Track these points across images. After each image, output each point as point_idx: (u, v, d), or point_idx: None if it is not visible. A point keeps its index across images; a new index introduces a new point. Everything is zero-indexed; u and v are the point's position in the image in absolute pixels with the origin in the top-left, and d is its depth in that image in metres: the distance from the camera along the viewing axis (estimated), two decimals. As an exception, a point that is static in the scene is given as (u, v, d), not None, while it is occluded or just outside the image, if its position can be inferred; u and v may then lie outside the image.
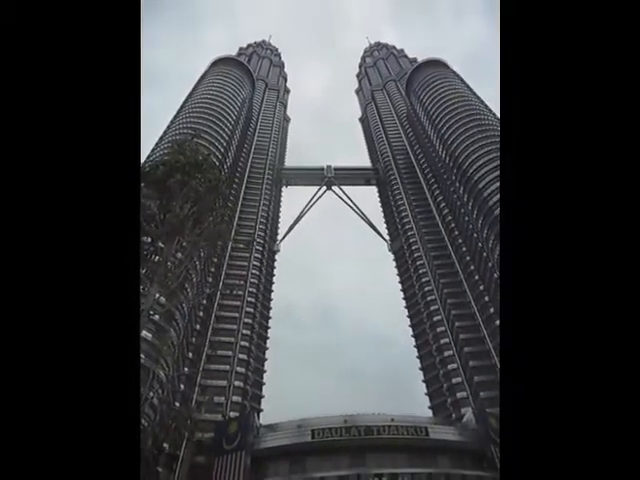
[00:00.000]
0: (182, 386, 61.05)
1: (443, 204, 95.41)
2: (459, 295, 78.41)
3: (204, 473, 47.34)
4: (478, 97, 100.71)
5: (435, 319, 79.22)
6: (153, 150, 77.00)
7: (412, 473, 39.87)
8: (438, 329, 77.61)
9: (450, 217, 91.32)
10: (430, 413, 70.13)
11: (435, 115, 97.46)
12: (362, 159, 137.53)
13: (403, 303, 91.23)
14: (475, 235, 77.85)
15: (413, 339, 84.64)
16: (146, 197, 10.29)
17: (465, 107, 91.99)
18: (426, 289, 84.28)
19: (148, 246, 11.90)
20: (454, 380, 70.90)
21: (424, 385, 78.35)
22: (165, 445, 49.95)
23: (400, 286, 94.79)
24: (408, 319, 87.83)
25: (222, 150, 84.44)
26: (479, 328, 71.79)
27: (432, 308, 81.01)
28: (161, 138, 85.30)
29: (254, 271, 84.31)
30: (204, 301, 73.36)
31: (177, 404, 57.31)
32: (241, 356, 70.14)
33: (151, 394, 43.58)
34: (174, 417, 52.51)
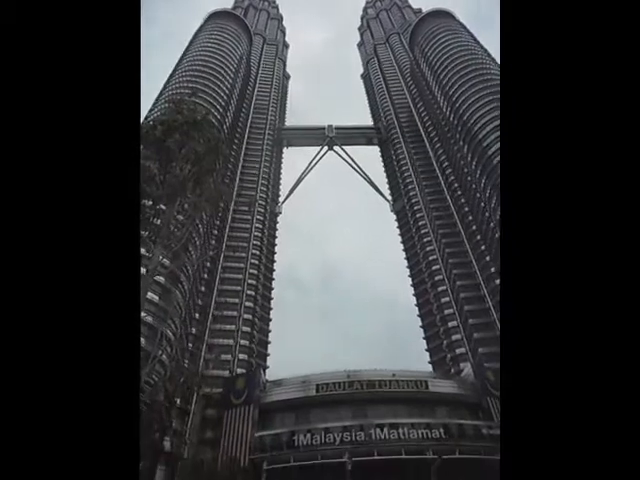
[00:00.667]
0: (190, 345, 63.07)
1: (446, 163, 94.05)
2: (460, 255, 78.98)
3: (214, 425, 49.87)
4: (485, 50, 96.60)
5: (436, 278, 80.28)
6: (150, 110, 75.26)
7: (411, 423, 41.80)
8: (439, 288, 78.82)
9: (453, 177, 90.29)
10: (430, 368, 72.60)
11: (439, 70, 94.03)
12: (364, 118, 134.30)
13: (405, 263, 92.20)
14: (478, 195, 77.26)
15: (414, 298, 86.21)
16: (145, 158, 10.20)
17: (471, 61, 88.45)
18: (428, 249, 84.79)
19: (149, 209, 11.93)
20: (454, 337, 72.85)
21: (424, 342, 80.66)
22: (177, 399, 52.33)
23: (402, 246, 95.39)
24: (410, 279, 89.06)
25: (221, 110, 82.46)
26: (479, 287, 72.82)
27: (433, 268, 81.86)
28: (157, 98, 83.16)
29: (256, 233, 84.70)
30: (208, 263, 74.31)
31: (186, 362, 59.53)
32: (246, 316, 71.87)
33: (160, 352, 45.16)
34: (184, 374, 54.74)
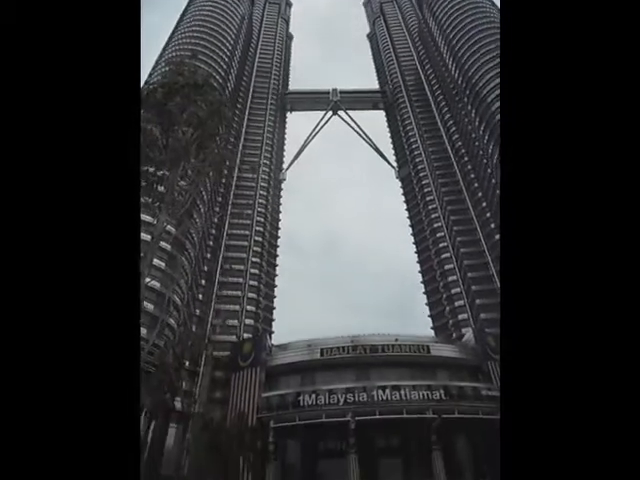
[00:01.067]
0: (197, 311, 64.51)
1: (453, 128, 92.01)
2: (465, 222, 78.72)
3: (223, 386, 51.76)
4: (498, 10, 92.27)
5: (440, 245, 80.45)
6: (150, 75, 73.50)
7: (413, 385, 43.08)
8: (443, 255, 79.14)
9: (460, 142, 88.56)
10: (432, 334, 74.05)
11: (448, 29, 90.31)
12: (370, 81, 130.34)
13: (409, 230, 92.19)
14: (485, 161, 76.03)
15: (418, 265, 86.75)
16: (146, 122, 10.03)
17: (482, 20, 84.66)
18: (432, 216, 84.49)
19: (152, 175, 11.86)
20: (456, 303, 73.82)
21: (427, 308, 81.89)
22: (185, 362, 54.11)
23: (407, 213, 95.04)
24: (414, 245, 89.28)
25: (222, 73, 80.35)
26: (483, 254, 73.01)
27: (438, 235, 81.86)
28: (157, 61, 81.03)
29: (261, 200, 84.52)
30: (213, 230, 74.74)
31: (194, 327, 61.11)
32: (252, 282, 72.95)
33: (168, 318, 46.30)
34: (192, 338, 56.34)
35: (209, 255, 72.34)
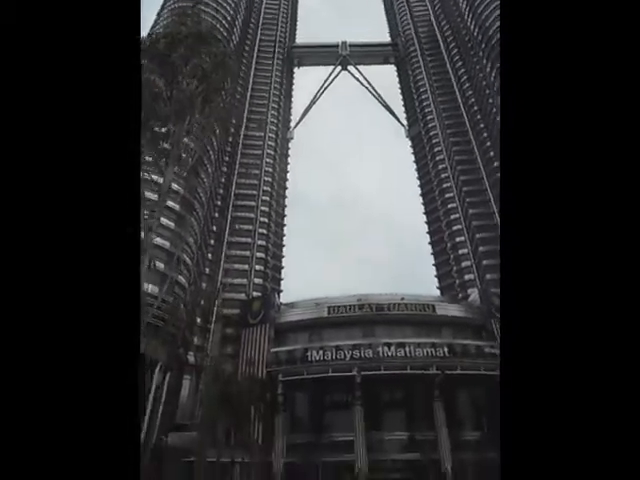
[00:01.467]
0: (207, 269, 65.70)
1: (467, 84, 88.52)
2: (475, 183, 77.51)
3: (233, 342, 53.61)
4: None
5: (449, 206, 79.76)
6: (153, 27, 70.83)
7: (418, 342, 44.22)
8: (452, 216, 78.63)
9: (473, 99, 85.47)
10: (438, 294, 74.96)
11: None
12: (381, 35, 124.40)
13: (418, 190, 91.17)
14: (498, 119, 73.61)
15: (426, 225, 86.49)
16: (149, 72, 9.76)
17: (502, -36, 79.11)
18: (442, 176, 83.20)
19: (157, 131, 11.68)
20: (463, 264, 74.13)
21: (434, 268, 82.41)
22: (197, 318, 55.87)
23: (416, 173, 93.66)
24: (422, 206, 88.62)
25: (227, 25, 77.19)
26: (492, 216, 72.35)
27: (447, 195, 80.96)
28: (160, 12, 77.87)
29: (268, 160, 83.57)
30: (221, 190, 74.60)
31: (204, 285, 62.51)
32: (260, 242, 73.62)
33: (178, 276, 47.28)
34: (202, 295, 57.77)
35: (217, 215, 72.64)
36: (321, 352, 43.90)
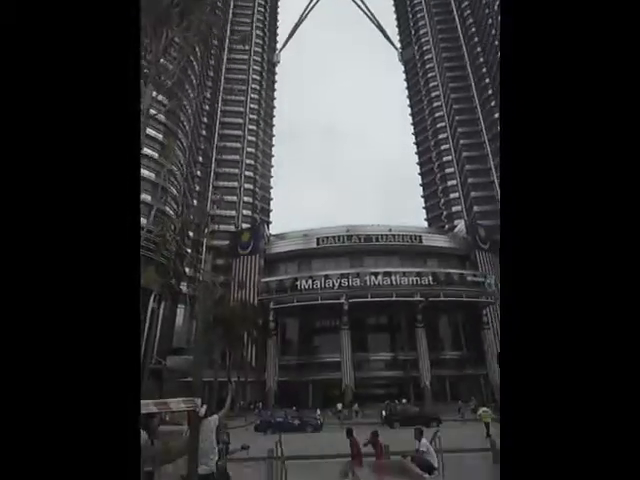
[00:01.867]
0: (195, 201, 65.11)
1: (466, 3, 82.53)
2: (468, 112, 75.43)
3: (225, 272, 54.85)
4: None
5: (440, 136, 78.32)
6: None
7: (403, 272, 45.84)
8: (442, 146, 77.54)
9: (471, 19, 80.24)
10: (426, 225, 76.22)
11: None
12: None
13: (410, 119, 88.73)
14: (497, 43, 69.75)
15: (416, 156, 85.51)
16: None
17: None
18: (435, 105, 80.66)
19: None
20: (451, 195, 74.60)
21: (422, 200, 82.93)
22: (187, 249, 56.43)
23: (408, 101, 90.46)
24: (414, 136, 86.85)
25: None
26: (483, 146, 71.50)
27: (438, 125, 79.14)
28: None
29: (254, 86, 79.43)
30: (205, 119, 71.59)
31: (192, 217, 62.38)
32: (248, 173, 72.42)
33: (165, 206, 46.83)
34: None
35: (203, 146, 70.48)
36: (310, 281, 45.34)
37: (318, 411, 32.02)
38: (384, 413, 27.98)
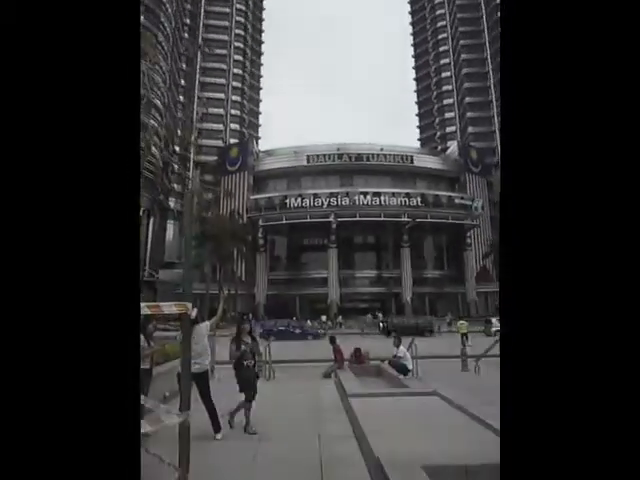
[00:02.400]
0: (180, 113, 62.00)
1: None
2: (472, 23, 69.79)
3: (213, 189, 54.30)
4: None
5: (441, 49, 73.63)
6: None
7: (393, 192, 45.96)
8: (442, 61, 73.27)
9: None
10: (418, 145, 74.74)
11: None
12: None
13: (409, 29, 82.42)
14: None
15: (414, 71, 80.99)
16: None
17: None
18: (437, 13, 74.53)
19: None
20: (447, 115, 72.22)
21: (417, 119, 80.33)
22: (174, 165, 55.16)
23: (409, 7, 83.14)
24: (412, 48, 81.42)
25: None
26: (484, 62, 67.67)
27: (440, 37, 73.92)
28: None
29: (241, -18, 71.52)
30: (187, 20, 65.26)
31: (178, 131, 59.81)
32: (235, 84, 68.28)
33: (150, 120, 44.69)
34: (177, 140, 55.73)
35: (186, 51, 65.16)
36: (299, 199, 45.39)
37: (309, 322, 33.98)
38: (381, 325, 29.78)
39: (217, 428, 4.81)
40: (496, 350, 9.82)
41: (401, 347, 9.53)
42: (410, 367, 9.18)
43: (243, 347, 5.09)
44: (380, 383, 9.20)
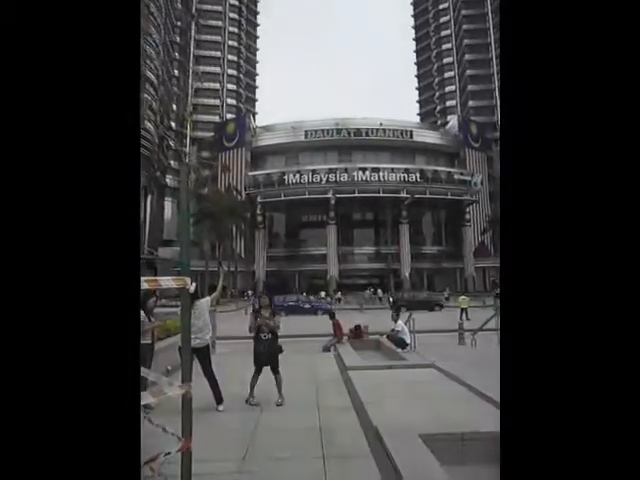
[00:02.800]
0: (175, 88, 60.68)
1: None
2: (476, 5, 67.46)
3: (211, 165, 53.77)
4: None
5: (442, 20, 71.60)
6: None
7: (392, 168, 45.54)
8: (442, 32, 71.39)
9: None
10: (418, 120, 73.65)
11: None
12: None
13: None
14: None
15: (414, 43, 79.01)
16: None
17: None
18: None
19: None
20: (447, 88, 70.92)
21: (417, 93, 78.91)
22: (170, 141, 54.41)
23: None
24: (413, 19, 79.15)
25: None
26: (486, 33, 65.93)
27: (441, 7, 71.79)
28: None
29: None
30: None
31: (174, 105, 58.68)
32: (231, 57, 66.66)
33: (145, 69, 43.48)
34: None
35: (179, 23, 63.22)
36: (298, 176, 45.03)
37: (311, 297, 34.08)
38: (391, 299, 29.88)
39: (219, 400, 4.92)
40: (492, 324, 9.97)
41: (399, 321, 9.65)
42: (408, 341, 9.32)
43: (259, 320, 5.17)
44: (379, 356, 9.38)
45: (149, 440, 1.63)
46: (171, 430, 2.22)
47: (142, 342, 5.16)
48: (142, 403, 1.76)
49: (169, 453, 2.18)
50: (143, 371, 2.30)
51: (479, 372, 6.33)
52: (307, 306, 26.33)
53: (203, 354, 4.97)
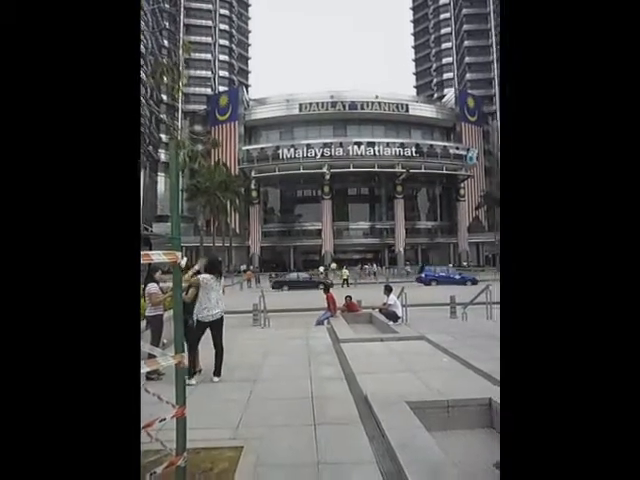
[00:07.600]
0: (165, 59, 58.88)
1: None
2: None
3: (201, 139, 52.79)
4: None
5: (440, -12, 69.42)
6: None
7: (387, 142, 45.10)
8: (441, 1, 69.31)
9: None
10: (414, 93, 72.38)
11: None
12: None
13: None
14: None
15: (411, 12, 76.79)
16: None
17: None
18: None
19: None
20: (444, 60, 69.47)
21: (413, 65, 77.21)
22: (161, 115, 53.26)
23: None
24: (410, -13, 76.63)
25: None
26: (486, 2, 64.08)
27: (440, -27, 69.39)
28: None
29: None
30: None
31: (165, 78, 57.08)
32: (223, 27, 64.53)
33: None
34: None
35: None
36: (292, 150, 44.55)
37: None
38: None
39: (218, 373, 5.06)
40: (482, 298, 10.17)
41: (391, 295, 9.82)
42: (400, 314, 9.51)
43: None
44: (371, 329, 9.58)
45: (146, 408, 1.72)
46: (166, 398, 2.32)
47: (156, 313, 5.47)
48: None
49: (164, 419, 2.28)
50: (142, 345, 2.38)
51: (468, 344, 6.53)
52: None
53: (218, 326, 5.11)
